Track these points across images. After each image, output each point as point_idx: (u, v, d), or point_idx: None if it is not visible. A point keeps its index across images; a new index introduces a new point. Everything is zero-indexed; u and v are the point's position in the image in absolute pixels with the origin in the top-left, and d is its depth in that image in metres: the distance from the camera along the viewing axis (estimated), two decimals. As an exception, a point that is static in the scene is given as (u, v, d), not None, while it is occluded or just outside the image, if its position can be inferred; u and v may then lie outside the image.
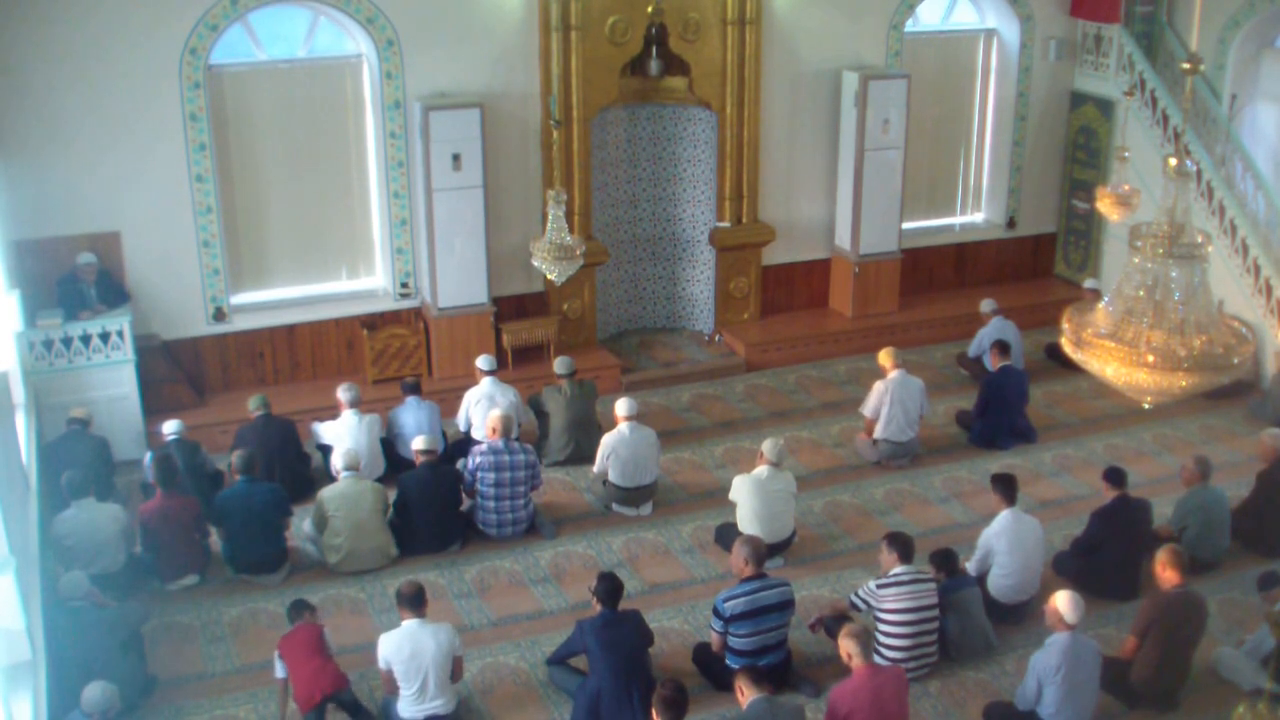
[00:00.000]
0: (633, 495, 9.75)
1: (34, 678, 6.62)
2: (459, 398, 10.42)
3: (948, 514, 9.92)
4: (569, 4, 11.23)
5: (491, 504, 9.31)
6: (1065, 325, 5.49)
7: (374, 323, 11.53)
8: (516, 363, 11.73)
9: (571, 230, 9.59)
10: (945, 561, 8.17)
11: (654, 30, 11.80)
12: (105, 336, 10.07)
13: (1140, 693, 7.63)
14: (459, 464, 9.71)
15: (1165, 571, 7.59)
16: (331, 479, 9.28)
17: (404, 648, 7.18)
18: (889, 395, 10.37)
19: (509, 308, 11.95)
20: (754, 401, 11.88)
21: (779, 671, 7.69)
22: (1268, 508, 9.30)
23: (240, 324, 11.17)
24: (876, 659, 7.38)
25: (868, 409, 10.55)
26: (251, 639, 8.28)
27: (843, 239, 13.09)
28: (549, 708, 7.68)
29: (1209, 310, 5.22)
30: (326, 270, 11.69)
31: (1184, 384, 5.15)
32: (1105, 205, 11.32)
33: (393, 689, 7.28)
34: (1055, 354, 12.32)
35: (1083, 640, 7.18)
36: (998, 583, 8.41)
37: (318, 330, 11.48)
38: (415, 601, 7.32)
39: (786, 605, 7.73)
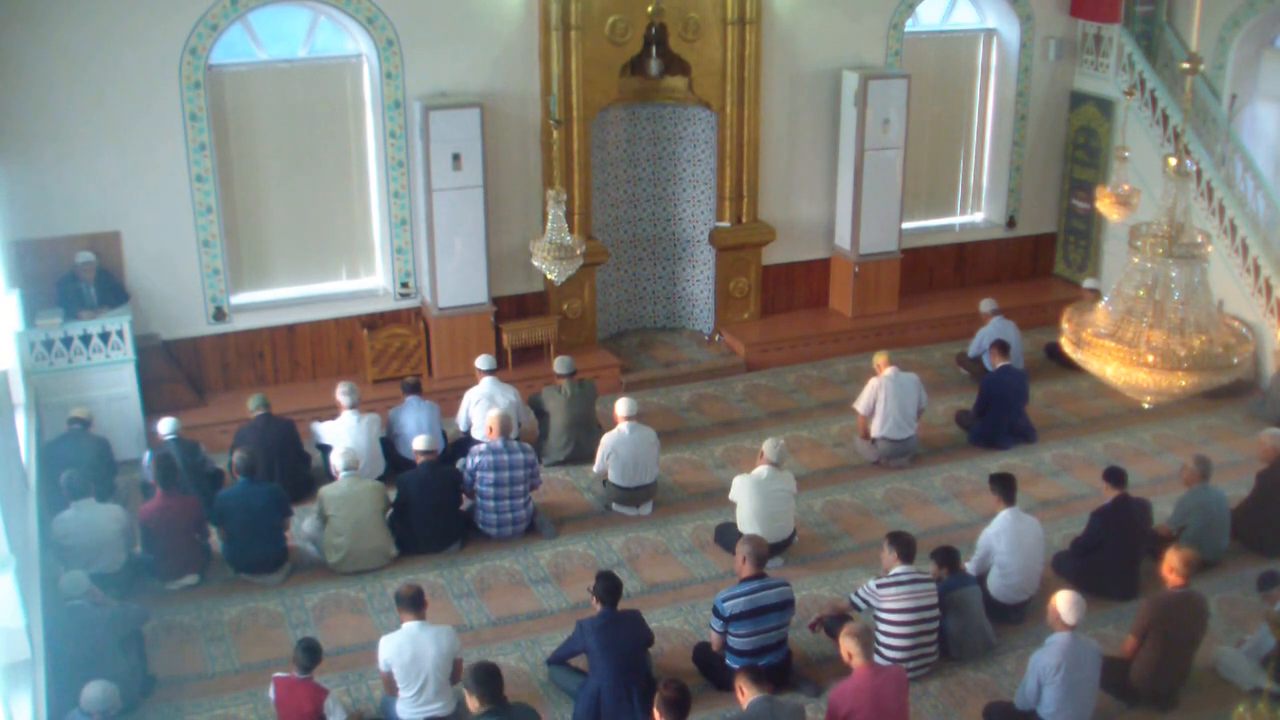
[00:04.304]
0: (633, 495, 9.75)
1: (33, 676, 6.61)
2: (459, 398, 10.42)
3: (948, 514, 9.92)
4: (569, 4, 11.23)
5: (491, 504, 9.31)
6: (1065, 325, 5.48)
7: (374, 323, 11.52)
8: (516, 363, 11.73)
9: (571, 230, 9.59)
10: (947, 558, 8.17)
11: (654, 30, 11.79)
12: (105, 336, 10.06)
13: (1140, 692, 7.63)
14: (458, 464, 9.71)
15: (1172, 574, 7.58)
16: (331, 479, 9.27)
17: (405, 650, 7.17)
18: (883, 391, 10.38)
19: (509, 308, 11.95)
20: (754, 401, 11.88)
21: (779, 671, 7.69)
22: (1268, 508, 9.30)
23: (240, 324, 11.17)
24: (877, 659, 7.38)
25: (861, 405, 10.56)
26: (251, 639, 8.28)
27: (843, 239, 13.09)
28: (549, 708, 7.67)
29: (1209, 310, 5.22)
30: (326, 270, 11.69)
31: (1184, 384, 5.15)
32: (1105, 205, 11.33)
33: (392, 690, 7.27)
34: (1055, 354, 12.31)
35: (1083, 640, 7.18)
36: (997, 583, 8.41)
37: (318, 330, 11.48)
38: (415, 603, 7.31)
39: (786, 605, 7.73)
